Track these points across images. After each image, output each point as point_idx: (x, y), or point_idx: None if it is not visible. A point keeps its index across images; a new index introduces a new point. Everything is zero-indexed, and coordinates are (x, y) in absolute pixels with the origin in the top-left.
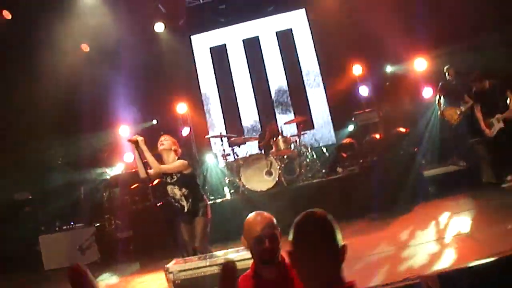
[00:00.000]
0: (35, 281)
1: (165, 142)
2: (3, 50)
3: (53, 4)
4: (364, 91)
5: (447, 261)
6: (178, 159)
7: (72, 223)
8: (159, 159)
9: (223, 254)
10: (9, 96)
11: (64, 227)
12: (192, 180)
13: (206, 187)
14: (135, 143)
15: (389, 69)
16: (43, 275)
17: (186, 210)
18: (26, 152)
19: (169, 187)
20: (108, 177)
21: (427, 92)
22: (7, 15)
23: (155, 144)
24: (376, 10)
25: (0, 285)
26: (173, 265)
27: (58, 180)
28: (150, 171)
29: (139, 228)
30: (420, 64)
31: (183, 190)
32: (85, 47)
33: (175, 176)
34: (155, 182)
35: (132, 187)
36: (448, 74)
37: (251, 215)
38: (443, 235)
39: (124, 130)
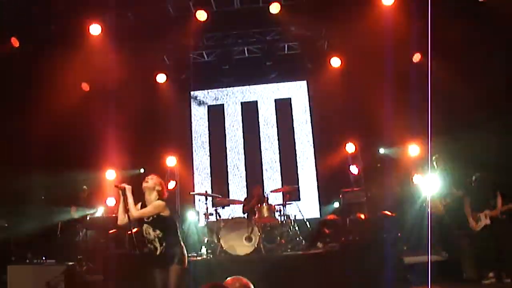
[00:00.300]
0: None
1: (149, 180)
2: (4, 77)
3: (61, 38)
4: (354, 169)
5: None
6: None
7: (44, 258)
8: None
9: None
10: (2, 124)
11: (35, 261)
12: (169, 223)
13: (184, 244)
14: (123, 190)
15: (382, 151)
16: None
17: (158, 253)
18: (9, 181)
19: (144, 226)
20: (87, 218)
21: (417, 179)
22: (15, 42)
23: (139, 192)
24: (376, 92)
25: None
26: None
27: (37, 213)
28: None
29: (110, 274)
30: (413, 150)
31: (157, 231)
32: (85, 86)
33: (151, 217)
34: (134, 230)
35: (110, 232)
36: (436, 164)
37: (229, 280)
38: None
39: (111, 174)
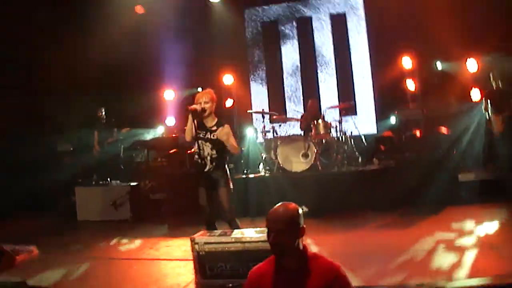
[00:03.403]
0: (67, 228)
1: (206, 106)
2: (60, 5)
3: None
4: (411, 85)
5: (462, 272)
6: (217, 119)
7: (108, 179)
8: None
9: (249, 233)
10: (61, 51)
11: (101, 182)
12: (225, 147)
13: (242, 161)
14: (194, 112)
15: (439, 66)
16: (75, 224)
17: (206, 169)
18: (73, 106)
19: (199, 142)
20: (147, 138)
21: (475, 94)
22: None
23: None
24: (435, 4)
25: (36, 227)
26: (200, 236)
27: (99, 136)
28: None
29: (172, 192)
30: (471, 65)
31: (213, 151)
32: (140, 9)
33: (211, 136)
34: (193, 149)
35: (170, 151)
36: (493, 79)
37: (277, 205)
38: (465, 244)
39: (169, 94)
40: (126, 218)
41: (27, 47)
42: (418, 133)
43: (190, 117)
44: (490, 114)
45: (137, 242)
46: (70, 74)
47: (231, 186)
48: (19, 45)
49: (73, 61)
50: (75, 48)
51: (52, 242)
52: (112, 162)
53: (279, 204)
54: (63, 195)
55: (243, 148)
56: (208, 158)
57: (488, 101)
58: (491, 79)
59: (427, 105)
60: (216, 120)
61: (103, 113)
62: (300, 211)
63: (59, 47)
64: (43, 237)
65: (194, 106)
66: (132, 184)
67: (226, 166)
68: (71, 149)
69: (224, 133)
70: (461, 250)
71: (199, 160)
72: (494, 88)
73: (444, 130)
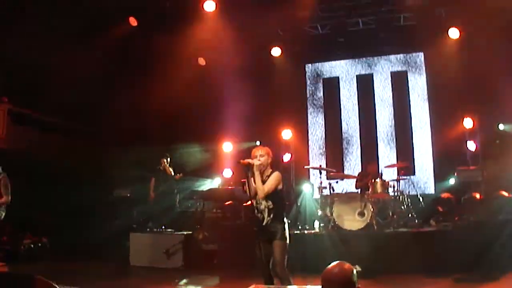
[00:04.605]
0: (120, 272)
1: (261, 158)
2: (124, 55)
3: (177, 16)
4: (471, 146)
5: None
6: (271, 171)
7: (163, 227)
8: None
9: None
10: (125, 101)
11: (155, 230)
12: (281, 196)
13: (297, 216)
14: (246, 166)
15: (501, 127)
16: (127, 269)
17: (264, 223)
18: (132, 154)
19: (257, 196)
20: (204, 189)
21: None
22: (133, 22)
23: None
24: (497, 65)
25: (90, 269)
26: None
27: (156, 184)
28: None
29: (225, 244)
30: None
31: (269, 202)
32: (202, 61)
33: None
34: (249, 202)
35: (226, 203)
36: None
37: (332, 264)
38: None
39: (227, 146)
40: (177, 266)
41: (94, 94)
42: (478, 195)
43: (248, 172)
44: None
45: None
46: (133, 122)
47: (287, 241)
48: (86, 93)
49: (133, 113)
50: (139, 97)
51: (104, 286)
52: (168, 210)
53: (334, 263)
54: (118, 240)
55: (299, 203)
56: (266, 210)
57: None
58: None
59: (488, 167)
60: (270, 171)
61: (167, 161)
62: (355, 271)
63: (124, 98)
64: (96, 280)
65: (247, 160)
66: (185, 233)
67: (285, 218)
68: (128, 195)
69: (269, 179)
70: None
71: (258, 214)
72: None
73: (505, 193)
